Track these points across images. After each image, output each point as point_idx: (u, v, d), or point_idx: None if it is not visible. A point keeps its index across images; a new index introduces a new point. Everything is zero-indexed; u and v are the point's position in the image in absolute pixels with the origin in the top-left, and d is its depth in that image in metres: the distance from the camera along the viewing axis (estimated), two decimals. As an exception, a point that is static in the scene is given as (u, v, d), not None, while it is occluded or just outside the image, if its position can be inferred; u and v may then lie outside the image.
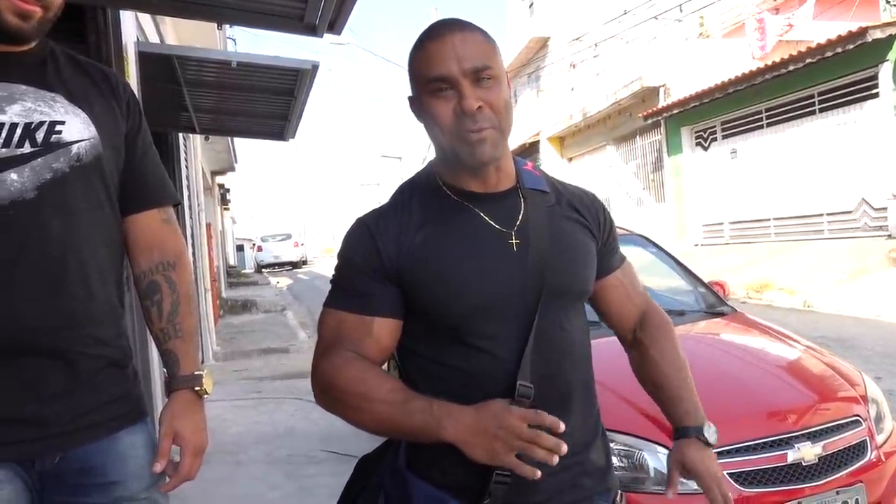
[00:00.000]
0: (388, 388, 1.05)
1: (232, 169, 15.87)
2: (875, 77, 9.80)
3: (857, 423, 2.40)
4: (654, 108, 14.00)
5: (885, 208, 9.82)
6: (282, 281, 21.38)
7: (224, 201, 20.36)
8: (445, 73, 1.05)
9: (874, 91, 9.89)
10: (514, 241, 1.11)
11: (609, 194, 16.28)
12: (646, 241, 3.89)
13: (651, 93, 14.48)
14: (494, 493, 1.04)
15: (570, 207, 1.20)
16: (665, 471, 2.21)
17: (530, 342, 1.07)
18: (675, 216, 14.31)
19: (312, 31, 3.06)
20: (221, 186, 18.46)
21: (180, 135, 6.71)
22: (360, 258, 1.12)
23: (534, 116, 19.83)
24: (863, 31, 9.29)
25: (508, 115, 1.09)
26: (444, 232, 1.11)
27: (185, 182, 6.85)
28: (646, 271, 3.70)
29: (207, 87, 4.88)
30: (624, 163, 16.69)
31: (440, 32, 1.08)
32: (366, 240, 1.12)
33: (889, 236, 9.65)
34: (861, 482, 2.27)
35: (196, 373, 1.29)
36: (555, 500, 1.11)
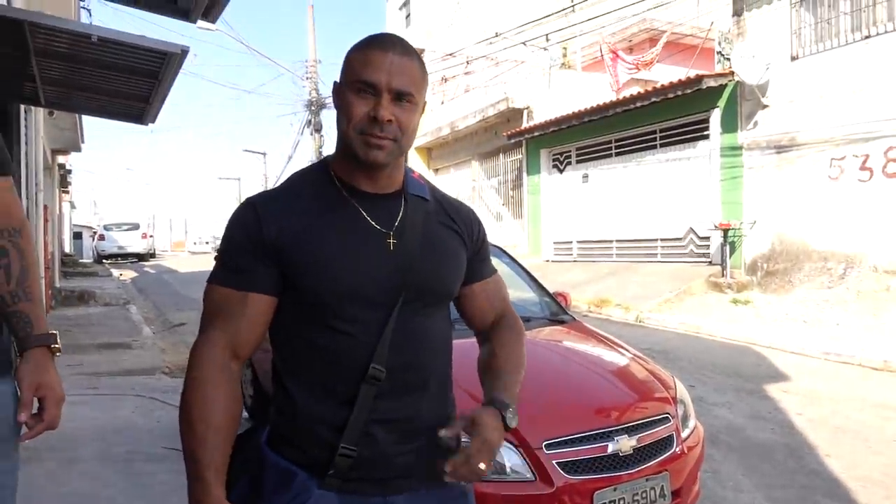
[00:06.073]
0: (215, 424, 1.12)
1: (77, 149, 14.66)
2: (707, 120, 11.00)
3: (667, 419, 2.74)
4: (517, 129, 14.74)
5: (707, 238, 11.05)
6: (126, 273, 19.93)
7: (64, 183, 18.72)
8: (374, 81, 1.14)
9: (706, 132, 11.09)
10: (391, 240, 1.21)
11: (471, 208, 16.81)
12: (500, 252, 4.16)
13: (516, 114, 15.22)
14: (339, 465, 1.15)
15: (447, 216, 1.32)
16: (506, 462, 2.44)
17: (388, 332, 1.17)
18: (530, 232, 15.11)
19: (185, 15, 3.00)
20: (62, 167, 16.98)
21: (21, 106, 6.16)
22: (243, 236, 1.18)
23: (404, 125, 20.06)
24: (699, 79, 10.41)
25: (411, 137, 1.20)
26: (328, 222, 1.19)
27: (23, 159, 6.29)
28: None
29: (59, 58, 4.56)
30: (486, 178, 17.37)
31: (386, 46, 1.16)
32: (250, 219, 1.19)
33: (710, 263, 10.87)
34: (667, 471, 2.59)
35: (50, 332, 1.34)
36: (405, 478, 1.20)
